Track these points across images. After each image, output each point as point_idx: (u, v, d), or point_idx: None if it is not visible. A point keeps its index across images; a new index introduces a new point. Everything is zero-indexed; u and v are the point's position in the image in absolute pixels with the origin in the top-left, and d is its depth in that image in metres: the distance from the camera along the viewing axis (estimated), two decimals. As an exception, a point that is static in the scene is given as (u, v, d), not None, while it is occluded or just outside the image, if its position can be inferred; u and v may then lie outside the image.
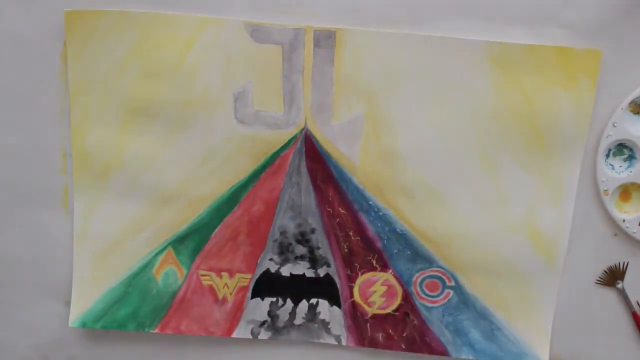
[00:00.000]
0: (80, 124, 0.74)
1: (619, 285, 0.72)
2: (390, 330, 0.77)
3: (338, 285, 0.77)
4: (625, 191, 0.70)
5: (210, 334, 0.79)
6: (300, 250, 0.76)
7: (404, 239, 0.73)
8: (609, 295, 0.73)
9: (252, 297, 0.78)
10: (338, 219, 0.74)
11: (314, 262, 0.76)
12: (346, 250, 0.75)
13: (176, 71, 0.71)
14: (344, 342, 0.78)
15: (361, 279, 0.76)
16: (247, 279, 0.78)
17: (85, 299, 0.79)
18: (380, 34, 0.68)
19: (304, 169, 0.74)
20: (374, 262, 0.75)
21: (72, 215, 0.77)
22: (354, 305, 0.77)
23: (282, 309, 0.78)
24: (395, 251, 0.74)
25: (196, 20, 0.69)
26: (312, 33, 0.69)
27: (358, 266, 0.75)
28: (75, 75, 0.72)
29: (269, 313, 0.79)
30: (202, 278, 0.78)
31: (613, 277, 0.72)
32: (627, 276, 0.72)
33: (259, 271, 0.77)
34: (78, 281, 0.78)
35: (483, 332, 0.75)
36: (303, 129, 0.72)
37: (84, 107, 0.73)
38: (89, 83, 0.72)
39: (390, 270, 0.75)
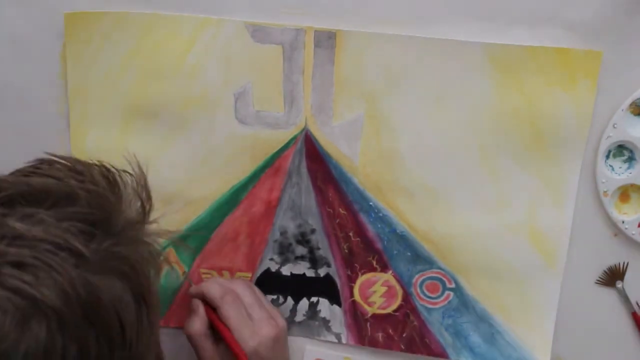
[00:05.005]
0: (79, 125, 0.74)
1: (619, 286, 0.72)
2: (390, 330, 0.77)
3: (338, 285, 0.77)
4: (625, 192, 0.70)
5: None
6: (301, 250, 0.76)
7: (404, 240, 0.73)
8: (608, 295, 0.73)
9: (253, 294, 0.79)
10: (338, 220, 0.74)
11: (314, 263, 0.76)
12: (346, 251, 0.75)
13: (176, 72, 0.71)
14: (344, 340, 0.78)
15: (361, 279, 0.76)
16: (248, 277, 0.78)
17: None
18: (381, 36, 0.67)
19: (304, 170, 0.74)
20: (374, 262, 0.75)
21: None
22: (354, 305, 0.77)
23: (283, 306, 0.78)
24: (396, 252, 0.74)
25: (196, 20, 0.69)
26: (312, 34, 0.68)
27: (358, 267, 0.75)
28: (75, 77, 0.72)
29: (270, 311, 0.79)
30: (203, 276, 0.78)
31: (613, 277, 0.72)
32: (627, 276, 0.72)
33: (260, 270, 0.78)
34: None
35: (483, 336, 0.75)
36: (303, 129, 0.72)
37: (84, 108, 0.73)
38: (88, 84, 0.72)
39: (391, 271, 0.75)
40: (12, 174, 0.53)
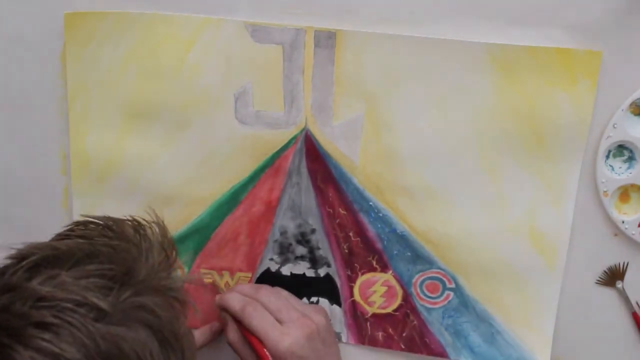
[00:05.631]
0: (79, 125, 0.74)
1: (619, 286, 0.72)
2: (390, 330, 0.77)
3: (338, 285, 0.77)
4: (625, 192, 0.70)
5: None
6: (301, 250, 0.76)
7: (404, 240, 0.73)
8: (608, 295, 0.73)
9: (253, 294, 0.79)
10: (338, 220, 0.74)
11: (314, 263, 0.76)
12: (346, 251, 0.75)
13: (176, 72, 0.71)
14: (344, 340, 0.78)
15: (361, 279, 0.76)
16: (248, 278, 0.78)
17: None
18: (381, 36, 0.67)
19: (304, 169, 0.74)
20: (374, 262, 0.75)
21: (72, 216, 0.77)
22: (354, 305, 0.77)
23: (283, 307, 0.78)
24: (396, 252, 0.74)
25: (196, 20, 0.69)
26: (312, 33, 0.68)
27: (358, 267, 0.75)
28: (74, 77, 0.72)
29: (270, 311, 0.79)
30: (203, 276, 0.78)
31: (613, 277, 0.72)
32: (627, 276, 0.72)
33: (260, 270, 0.78)
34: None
35: (483, 336, 0.75)
36: (303, 129, 0.72)
37: (83, 108, 0.73)
38: (88, 84, 0.72)
39: (391, 271, 0.75)
40: (51, 239, 0.58)
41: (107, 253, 0.54)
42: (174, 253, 0.61)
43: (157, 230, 0.62)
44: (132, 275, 0.54)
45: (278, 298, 0.73)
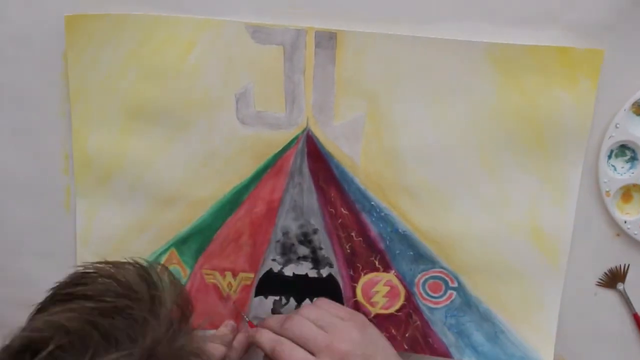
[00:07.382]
0: (81, 126, 0.74)
1: (620, 287, 0.72)
2: (393, 331, 0.77)
3: (341, 286, 0.77)
4: (627, 192, 0.70)
5: (216, 328, 0.79)
6: (303, 250, 0.76)
7: (407, 240, 0.73)
8: (610, 296, 0.73)
9: (256, 295, 0.79)
10: (340, 220, 0.74)
11: (317, 263, 0.76)
12: (348, 251, 0.75)
13: (177, 73, 0.71)
14: (346, 341, 0.78)
15: (364, 279, 0.76)
16: (251, 278, 0.78)
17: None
18: (382, 36, 0.67)
19: (305, 170, 0.74)
20: (377, 262, 0.75)
21: (75, 216, 0.77)
22: (356, 305, 0.77)
23: (286, 307, 0.78)
24: (398, 252, 0.74)
25: (196, 22, 0.69)
26: (313, 34, 0.68)
27: (360, 267, 0.75)
28: (76, 79, 0.72)
29: (273, 311, 0.79)
30: (205, 277, 0.78)
31: (614, 278, 0.72)
32: (629, 278, 0.72)
33: (262, 271, 0.78)
34: (82, 280, 0.79)
35: (486, 335, 0.75)
36: (305, 130, 0.72)
37: (85, 110, 0.73)
38: (89, 86, 0.72)
39: (393, 271, 0.75)
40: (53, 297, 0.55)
41: (121, 327, 0.50)
42: (189, 307, 0.57)
43: (166, 278, 0.57)
44: (153, 353, 0.50)
45: (303, 326, 0.70)
